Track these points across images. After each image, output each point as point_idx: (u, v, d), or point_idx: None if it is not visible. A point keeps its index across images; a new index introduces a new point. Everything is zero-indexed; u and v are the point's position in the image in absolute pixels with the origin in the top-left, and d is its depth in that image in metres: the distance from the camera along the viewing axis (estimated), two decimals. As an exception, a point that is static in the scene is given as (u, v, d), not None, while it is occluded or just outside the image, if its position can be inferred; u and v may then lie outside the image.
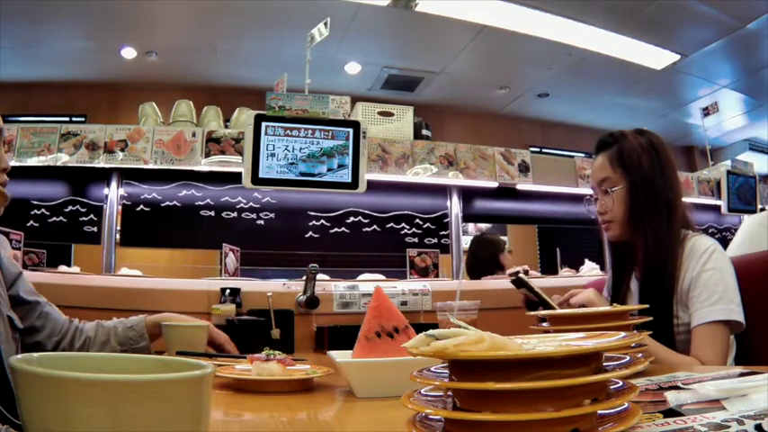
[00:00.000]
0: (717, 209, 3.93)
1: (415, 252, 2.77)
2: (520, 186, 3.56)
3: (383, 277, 2.75)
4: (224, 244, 2.56)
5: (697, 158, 6.39)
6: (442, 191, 3.54)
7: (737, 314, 1.33)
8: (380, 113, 3.28)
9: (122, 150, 2.98)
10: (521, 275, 1.48)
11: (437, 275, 2.74)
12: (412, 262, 2.72)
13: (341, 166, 2.10)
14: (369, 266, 3.26)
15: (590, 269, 2.99)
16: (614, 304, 1.12)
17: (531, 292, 1.44)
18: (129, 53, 4.52)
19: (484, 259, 3.58)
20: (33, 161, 2.94)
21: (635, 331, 1.02)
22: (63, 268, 2.60)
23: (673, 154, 1.56)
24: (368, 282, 2.40)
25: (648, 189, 1.46)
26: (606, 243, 1.63)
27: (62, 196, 3.19)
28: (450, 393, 0.52)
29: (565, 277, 2.94)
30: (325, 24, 2.20)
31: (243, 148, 2.17)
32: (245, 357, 1.18)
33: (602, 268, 3.08)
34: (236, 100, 3.72)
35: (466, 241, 3.97)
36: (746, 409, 0.56)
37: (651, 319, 1.08)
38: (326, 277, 2.44)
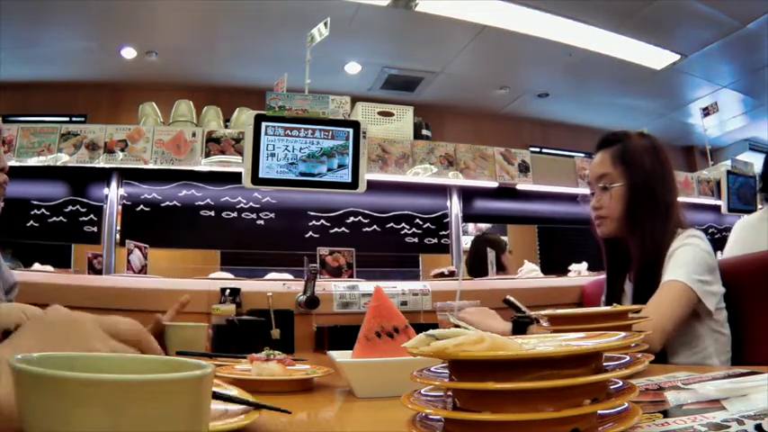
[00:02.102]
0: (717, 209, 3.93)
1: (326, 251, 2.53)
2: (520, 186, 3.56)
3: (291, 276, 2.66)
4: (127, 240, 2.47)
5: (697, 158, 6.39)
6: (442, 191, 3.54)
7: (699, 287, 1.33)
8: (380, 113, 3.28)
9: (122, 150, 2.98)
10: (508, 297, 1.56)
11: (351, 276, 2.54)
12: (323, 261, 2.49)
13: (341, 166, 2.10)
14: (369, 266, 3.26)
15: (529, 270, 2.92)
16: (614, 304, 1.12)
17: (517, 310, 1.51)
18: (129, 53, 4.52)
19: (485, 259, 3.58)
20: (33, 161, 2.94)
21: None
22: (36, 266, 2.57)
23: (671, 158, 1.58)
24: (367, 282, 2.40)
25: (648, 190, 1.47)
26: (602, 244, 1.64)
27: (62, 196, 3.19)
28: (450, 393, 0.52)
29: (561, 278, 2.93)
30: (325, 24, 2.20)
31: (243, 148, 2.17)
32: (245, 357, 1.18)
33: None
34: (236, 100, 3.72)
35: (466, 241, 3.97)
36: (746, 409, 0.57)
37: (651, 318, 1.09)
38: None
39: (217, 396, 0.67)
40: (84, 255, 2.77)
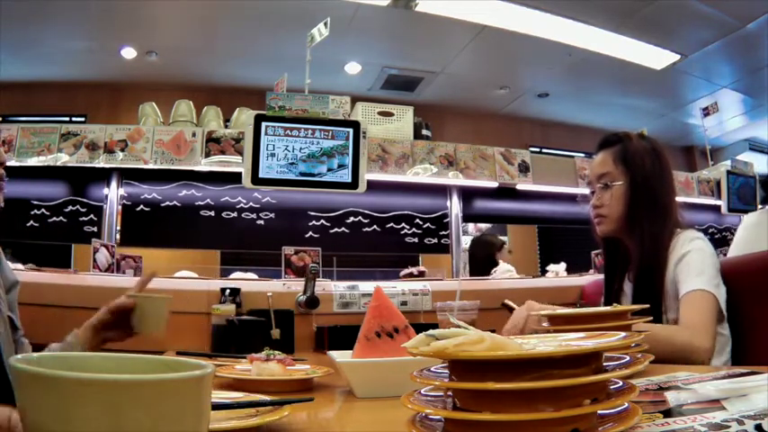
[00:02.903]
0: (717, 209, 3.93)
1: (291, 250, 2.48)
2: (520, 186, 3.56)
3: (256, 276, 2.60)
4: (93, 239, 2.44)
5: (697, 158, 6.39)
6: (442, 191, 3.54)
7: (718, 293, 1.35)
8: (380, 113, 3.28)
9: (122, 150, 2.98)
10: (506, 302, 1.58)
11: (317, 276, 2.48)
12: (288, 260, 2.45)
13: (341, 166, 2.10)
14: (369, 266, 3.25)
15: (504, 271, 2.88)
16: (614, 304, 1.12)
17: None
18: (129, 53, 4.52)
19: (480, 259, 3.58)
20: (33, 161, 2.94)
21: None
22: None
23: (671, 160, 1.59)
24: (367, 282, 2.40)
25: (648, 190, 1.48)
26: (601, 243, 1.65)
27: (62, 196, 3.19)
28: (450, 393, 0.52)
29: (561, 278, 2.92)
30: (325, 24, 2.20)
31: (243, 148, 2.17)
32: (245, 357, 1.18)
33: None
34: (236, 100, 3.72)
35: (466, 241, 3.97)
36: (746, 409, 0.56)
37: (651, 318, 1.09)
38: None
39: (243, 405, 0.71)
40: (85, 255, 2.77)
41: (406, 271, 2.74)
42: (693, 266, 1.39)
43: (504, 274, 2.78)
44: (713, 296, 1.34)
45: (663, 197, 1.50)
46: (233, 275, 2.61)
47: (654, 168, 1.51)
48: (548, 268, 3.10)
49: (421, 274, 2.67)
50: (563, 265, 3.00)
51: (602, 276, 1.75)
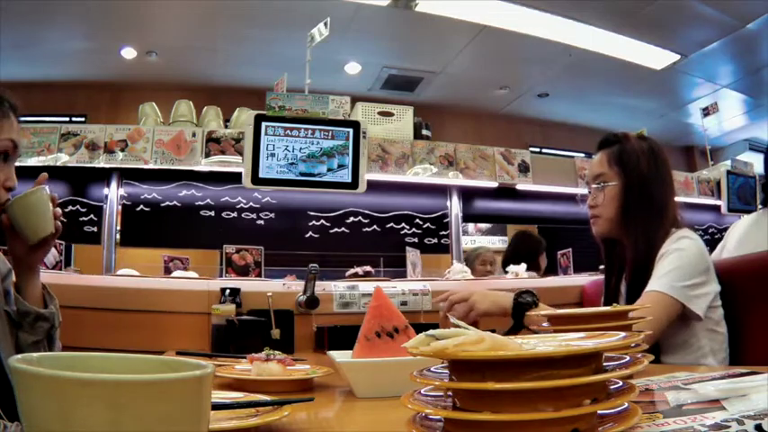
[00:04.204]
0: (717, 209, 3.94)
1: (233, 248, 2.38)
2: (520, 186, 3.57)
3: (196, 275, 2.58)
4: None
5: (697, 158, 6.39)
6: (442, 191, 3.54)
7: (680, 294, 1.33)
8: (380, 113, 3.28)
9: (122, 150, 2.98)
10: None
11: (259, 275, 2.39)
12: (229, 259, 2.37)
13: (341, 166, 2.10)
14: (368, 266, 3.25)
15: (457, 272, 2.80)
16: (614, 304, 1.12)
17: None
18: (129, 53, 4.52)
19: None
20: (33, 161, 2.94)
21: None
22: None
23: (670, 161, 1.59)
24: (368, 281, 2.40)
25: (642, 191, 1.48)
26: (600, 244, 1.65)
27: (62, 196, 3.19)
28: (450, 393, 0.52)
29: (561, 278, 2.92)
30: (326, 24, 2.20)
31: (243, 148, 2.17)
32: (245, 357, 1.18)
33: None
34: (236, 100, 3.72)
35: (466, 241, 3.96)
36: (746, 409, 0.56)
37: (651, 318, 1.09)
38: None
39: (243, 405, 0.71)
40: (85, 255, 2.78)
41: (351, 271, 2.68)
42: (662, 267, 1.38)
43: (457, 275, 2.70)
44: (665, 297, 1.33)
45: (659, 198, 1.49)
46: (174, 273, 2.59)
47: (650, 169, 1.50)
48: (508, 269, 3.05)
49: (367, 274, 2.62)
50: (523, 266, 2.96)
51: (584, 278, 1.75)
